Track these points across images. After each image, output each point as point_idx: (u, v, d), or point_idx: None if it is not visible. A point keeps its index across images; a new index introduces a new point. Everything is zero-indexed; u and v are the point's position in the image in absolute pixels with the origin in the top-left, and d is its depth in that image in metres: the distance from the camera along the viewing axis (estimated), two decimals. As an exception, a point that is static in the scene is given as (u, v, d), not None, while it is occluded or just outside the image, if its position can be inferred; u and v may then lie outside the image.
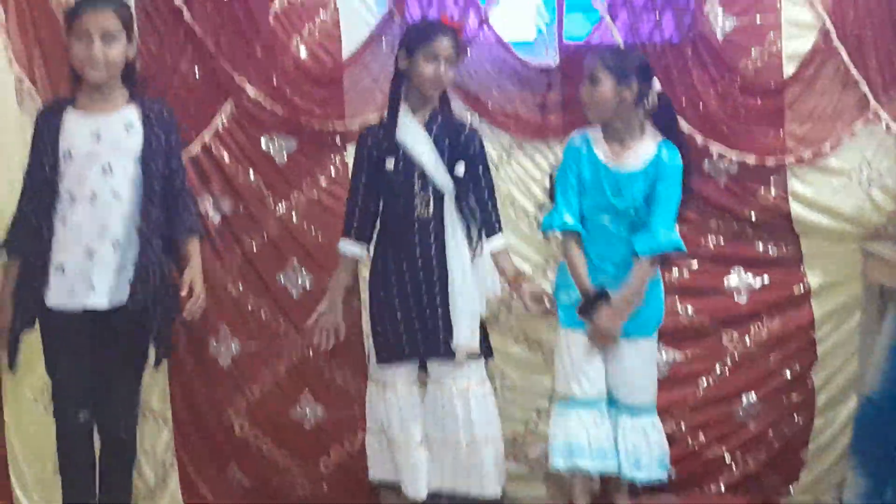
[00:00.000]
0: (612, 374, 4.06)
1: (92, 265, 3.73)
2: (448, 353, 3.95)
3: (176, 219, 3.92)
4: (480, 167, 4.00)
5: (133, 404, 4.05)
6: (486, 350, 4.08)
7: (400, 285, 3.95)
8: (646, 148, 3.97)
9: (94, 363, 3.86)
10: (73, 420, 3.87)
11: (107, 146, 3.77)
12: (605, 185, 3.97)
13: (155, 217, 3.81)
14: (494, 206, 4.05)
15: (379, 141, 3.93)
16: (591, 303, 3.96)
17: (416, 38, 3.90)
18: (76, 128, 3.78)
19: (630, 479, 4.12)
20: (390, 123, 3.92)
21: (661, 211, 3.93)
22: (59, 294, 3.75)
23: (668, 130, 4.04)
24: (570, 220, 4.02)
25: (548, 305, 4.09)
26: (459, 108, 4.33)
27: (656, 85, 4.01)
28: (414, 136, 3.90)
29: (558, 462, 4.07)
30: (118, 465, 4.06)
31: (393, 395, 4.01)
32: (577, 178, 4.03)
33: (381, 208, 4.00)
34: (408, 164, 3.91)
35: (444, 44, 3.85)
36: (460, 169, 3.91)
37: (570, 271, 4.06)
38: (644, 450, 4.08)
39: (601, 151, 4.00)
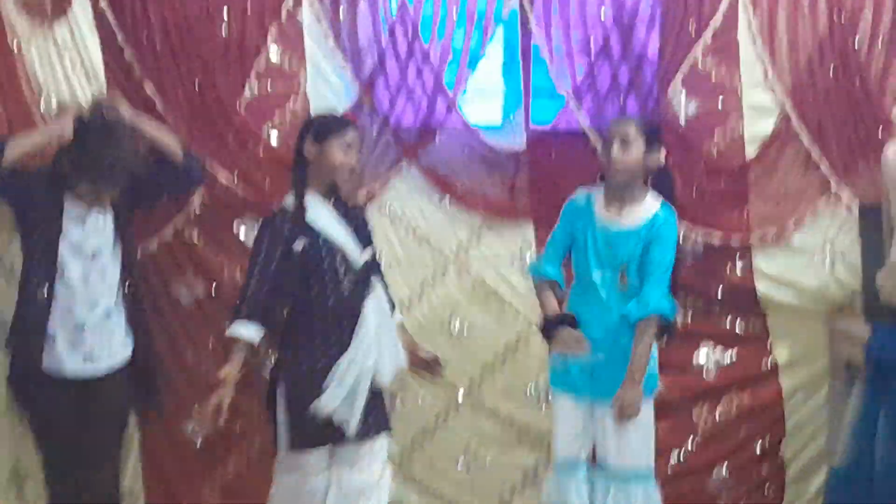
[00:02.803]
0: (598, 440, 4.03)
1: (83, 337, 3.92)
2: (363, 434, 3.84)
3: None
4: (373, 246, 4.03)
5: (119, 467, 4.23)
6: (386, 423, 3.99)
7: (325, 368, 3.81)
8: (645, 209, 3.95)
9: (84, 430, 3.99)
10: (66, 489, 3.99)
11: (91, 233, 3.95)
12: (599, 240, 3.96)
13: (135, 284, 4.08)
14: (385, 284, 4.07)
15: (290, 225, 3.83)
16: (553, 325, 3.97)
17: (329, 127, 3.86)
18: (69, 211, 3.92)
19: None
20: (299, 207, 3.84)
21: (655, 275, 3.90)
22: (51, 361, 3.91)
23: (665, 197, 4.05)
24: (549, 269, 4.05)
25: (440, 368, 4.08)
26: (430, 190, 4.46)
27: (662, 153, 4.02)
28: (327, 220, 3.86)
29: None
30: None
31: (312, 482, 3.86)
32: (568, 233, 4.04)
33: (289, 295, 3.85)
34: (326, 248, 3.84)
35: (353, 135, 3.86)
36: (368, 251, 3.93)
37: (539, 303, 4.08)
38: None
39: (600, 209, 3.99)
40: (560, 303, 4.05)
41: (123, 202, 4.04)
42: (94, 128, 3.92)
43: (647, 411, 4.03)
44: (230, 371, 3.70)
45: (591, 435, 4.05)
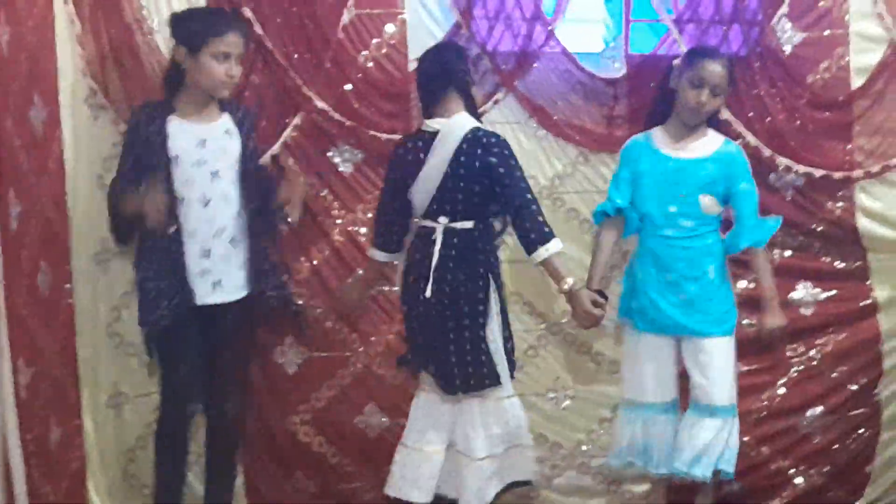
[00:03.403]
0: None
1: (211, 264, 3.90)
2: None
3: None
4: None
5: (244, 392, 4.25)
6: None
7: None
8: (710, 141, 4.03)
9: (210, 354, 4.03)
10: (181, 412, 4.05)
11: (213, 153, 3.90)
12: (668, 172, 4.00)
13: (258, 212, 4.02)
14: None
15: None
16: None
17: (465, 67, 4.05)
18: (182, 134, 3.87)
19: (666, 473, 4.13)
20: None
21: (752, 206, 4.03)
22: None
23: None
24: (611, 208, 4.08)
25: None
26: (526, 119, 4.42)
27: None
28: None
29: (611, 461, 4.21)
30: (229, 451, 4.24)
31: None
32: (632, 173, 4.07)
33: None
34: None
35: None
36: None
37: (593, 253, 4.15)
38: (685, 446, 4.03)
39: (662, 145, 4.04)
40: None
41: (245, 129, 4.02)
42: None
43: (727, 348, 4.03)
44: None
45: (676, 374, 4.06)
